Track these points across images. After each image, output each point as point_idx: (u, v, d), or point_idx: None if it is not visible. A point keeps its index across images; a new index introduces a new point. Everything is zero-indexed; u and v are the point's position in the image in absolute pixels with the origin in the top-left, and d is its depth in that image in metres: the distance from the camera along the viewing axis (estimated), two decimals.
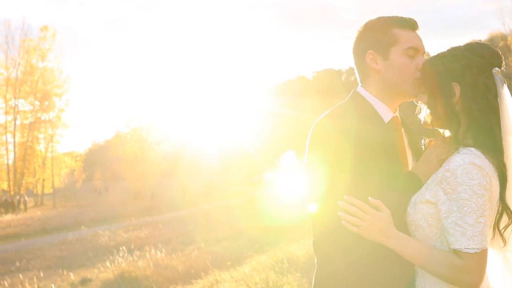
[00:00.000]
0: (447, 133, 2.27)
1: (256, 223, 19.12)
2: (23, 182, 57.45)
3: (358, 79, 2.40)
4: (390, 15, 2.34)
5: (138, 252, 15.59)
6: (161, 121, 66.05)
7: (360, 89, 2.38)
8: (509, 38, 42.05)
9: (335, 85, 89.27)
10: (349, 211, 2.09)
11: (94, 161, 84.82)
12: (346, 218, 2.10)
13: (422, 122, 2.32)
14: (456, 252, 2.04)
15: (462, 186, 2.02)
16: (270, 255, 9.71)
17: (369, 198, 2.09)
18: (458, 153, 2.10)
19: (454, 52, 2.22)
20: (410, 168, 2.34)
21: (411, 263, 2.16)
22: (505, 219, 2.18)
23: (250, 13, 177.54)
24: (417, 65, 2.27)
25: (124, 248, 16.30)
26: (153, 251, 15.05)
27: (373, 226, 2.08)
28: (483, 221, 2.02)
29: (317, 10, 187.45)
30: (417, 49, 2.29)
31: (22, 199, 51.47)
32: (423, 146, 2.41)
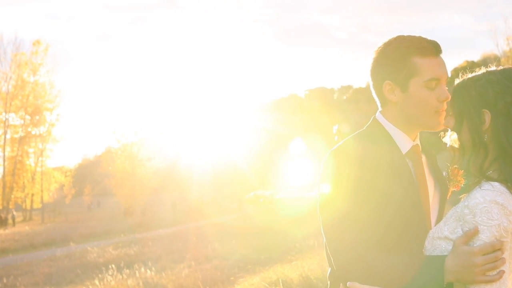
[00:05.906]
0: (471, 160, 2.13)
1: (248, 242, 19.00)
2: (12, 196, 57.03)
3: (378, 103, 2.29)
4: (410, 36, 2.18)
5: (127, 270, 15.39)
6: (152, 136, 65.97)
7: (379, 115, 2.28)
8: (502, 60, 42.40)
9: (327, 104, 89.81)
10: None
11: (84, 176, 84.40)
12: None
13: (447, 146, 2.22)
14: None
15: (480, 226, 1.89)
16: (262, 277, 9.55)
17: (348, 283, 2.02)
18: (480, 188, 1.97)
19: (488, 77, 2.08)
20: (431, 196, 2.24)
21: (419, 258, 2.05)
22: None
23: (243, 30, 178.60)
24: (438, 96, 2.13)
25: (113, 265, 16.10)
26: (142, 269, 14.87)
27: None
28: None
29: (309, 28, 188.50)
30: (439, 79, 2.14)
31: (10, 214, 51.00)
32: (444, 173, 2.29)
